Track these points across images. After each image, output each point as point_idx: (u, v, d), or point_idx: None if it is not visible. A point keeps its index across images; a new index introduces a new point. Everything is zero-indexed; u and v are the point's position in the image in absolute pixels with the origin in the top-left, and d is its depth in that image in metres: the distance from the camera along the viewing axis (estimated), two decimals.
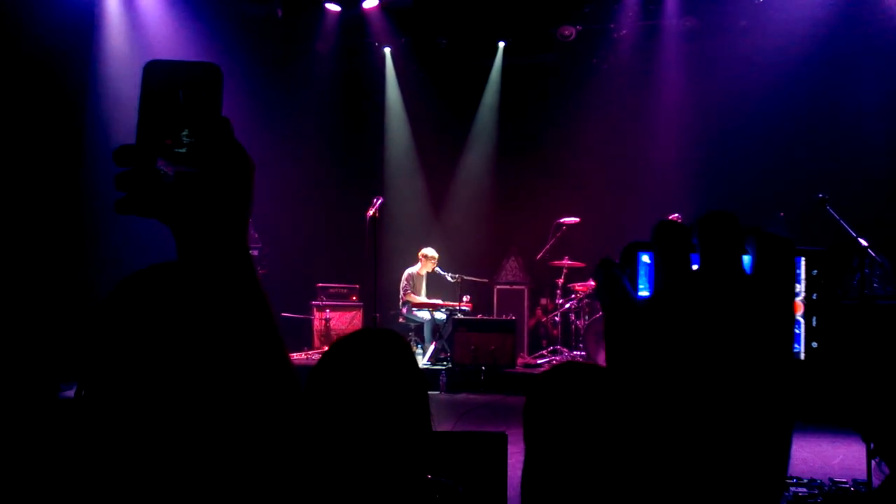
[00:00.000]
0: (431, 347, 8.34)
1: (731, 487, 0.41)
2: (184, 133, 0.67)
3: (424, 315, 8.58)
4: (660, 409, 0.43)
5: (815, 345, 0.54)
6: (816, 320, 0.54)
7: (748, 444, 0.41)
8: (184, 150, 0.67)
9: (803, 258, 0.55)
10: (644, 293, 0.56)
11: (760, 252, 0.45)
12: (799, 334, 0.55)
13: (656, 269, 0.47)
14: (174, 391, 1.07)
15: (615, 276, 0.49)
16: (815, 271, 0.55)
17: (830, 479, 4.07)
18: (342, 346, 1.34)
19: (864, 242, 5.01)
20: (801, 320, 0.55)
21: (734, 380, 0.42)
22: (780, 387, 0.43)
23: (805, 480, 4.07)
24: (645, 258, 0.57)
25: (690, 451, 0.41)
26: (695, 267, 0.46)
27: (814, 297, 0.54)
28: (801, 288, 0.55)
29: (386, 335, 1.37)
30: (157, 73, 0.68)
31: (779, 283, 0.44)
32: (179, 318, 1.07)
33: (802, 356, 0.54)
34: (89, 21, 7.88)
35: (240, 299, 0.71)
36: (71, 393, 1.08)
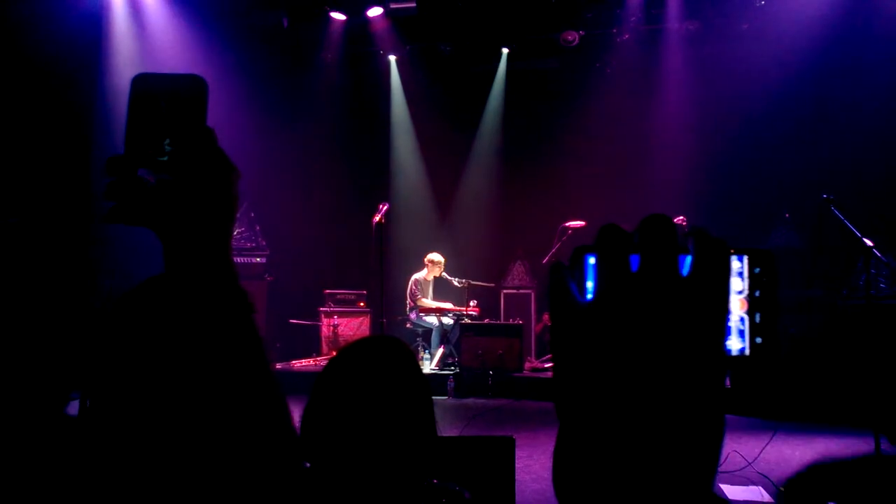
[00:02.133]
0: (439, 352, 8.36)
1: (666, 476, 0.43)
2: (166, 142, 0.69)
3: (432, 320, 8.61)
4: (599, 405, 0.45)
5: (759, 340, 0.56)
6: (760, 316, 0.56)
7: (681, 436, 0.43)
8: (165, 159, 0.69)
9: (746, 256, 0.57)
10: (590, 295, 0.59)
11: (697, 253, 0.47)
12: (743, 330, 0.57)
13: (598, 272, 0.49)
14: (167, 402, 1.10)
15: (562, 279, 0.51)
16: (758, 269, 0.56)
17: None
18: (346, 354, 1.37)
19: (869, 243, 5.01)
20: (746, 317, 0.57)
21: (667, 376, 0.44)
22: (710, 382, 0.45)
23: None
24: (591, 260, 0.58)
25: (629, 444, 0.44)
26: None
27: (756, 295, 0.56)
28: (744, 286, 0.57)
29: (389, 342, 1.39)
30: (142, 86, 0.70)
31: (711, 284, 0.46)
32: (168, 330, 1.09)
33: (747, 351, 0.56)
34: (97, 32, 7.97)
35: (220, 305, 0.72)
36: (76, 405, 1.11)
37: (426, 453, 1.29)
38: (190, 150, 0.69)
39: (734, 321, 0.57)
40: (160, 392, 1.08)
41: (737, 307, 0.58)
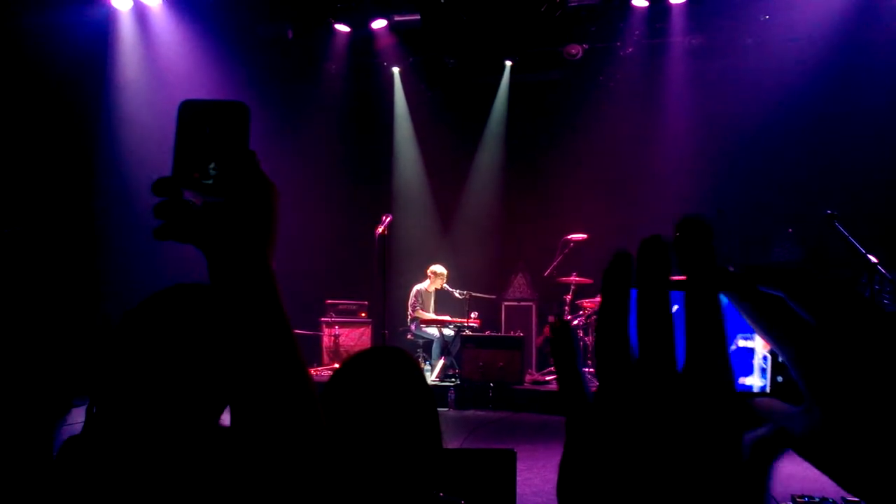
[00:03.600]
0: (440, 364, 8.33)
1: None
2: (210, 166, 0.73)
3: (433, 331, 8.59)
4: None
5: (780, 379, 0.57)
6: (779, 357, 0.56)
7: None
8: (210, 182, 0.73)
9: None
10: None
11: (689, 340, 0.45)
12: (765, 369, 0.57)
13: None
14: (185, 407, 1.09)
15: (565, 360, 0.48)
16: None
17: (843, 498, 4.03)
18: (352, 364, 1.36)
19: (873, 259, 5.00)
20: (769, 356, 0.57)
21: (682, 472, 0.41)
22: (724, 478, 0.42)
23: (817, 499, 4.03)
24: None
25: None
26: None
27: None
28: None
29: (395, 353, 1.38)
30: (189, 111, 0.74)
31: (709, 377, 0.43)
32: (200, 338, 1.09)
33: (767, 389, 0.57)
34: (104, 41, 8.02)
35: (261, 321, 0.76)
36: (78, 424, 1.10)
37: (432, 465, 1.28)
38: (234, 173, 0.74)
39: (757, 359, 0.58)
40: (171, 396, 1.07)
41: (759, 345, 0.58)
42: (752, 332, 0.56)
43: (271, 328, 0.76)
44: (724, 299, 0.56)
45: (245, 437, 0.74)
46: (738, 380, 0.58)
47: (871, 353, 0.44)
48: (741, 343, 0.59)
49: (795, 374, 0.48)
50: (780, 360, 0.54)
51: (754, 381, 0.58)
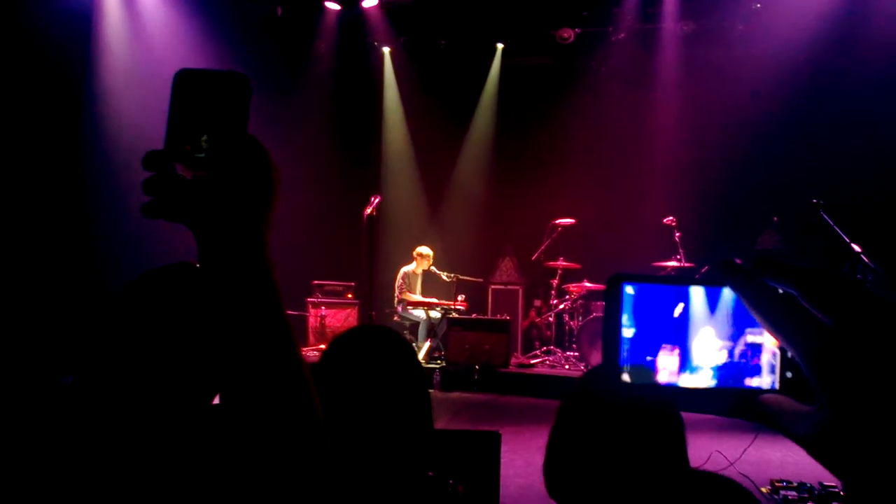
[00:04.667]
0: (426, 346, 8.36)
1: None
2: (203, 138, 0.69)
3: (419, 313, 8.61)
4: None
5: (789, 375, 0.57)
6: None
7: None
8: (202, 156, 0.69)
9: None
10: (628, 330, 0.59)
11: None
12: (774, 365, 0.57)
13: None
14: (175, 387, 1.08)
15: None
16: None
17: (820, 483, 4.11)
18: (342, 343, 1.36)
19: (857, 248, 5.05)
20: (778, 352, 0.57)
21: None
22: None
23: (795, 484, 4.10)
24: (629, 289, 0.59)
25: None
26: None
27: None
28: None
29: (386, 333, 1.38)
30: (183, 81, 0.70)
31: None
32: (191, 318, 1.08)
33: (777, 386, 0.57)
34: (88, 16, 7.88)
35: (254, 303, 0.72)
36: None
37: (423, 444, 1.29)
38: (226, 146, 0.69)
39: (766, 355, 0.58)
40: (159, 376, 1.06)
41: (770, 342, 0.58)
42: (759, 326, 0.55)
43: (264, 315, 0.72)
44: (726, 291, 0.55)
45: (237, 426, 0.70)
46: (744, 381, 0.58)
47: (889, 356, 0.44)
48: (749, 339, 0.58)
49: (808, 374, 0.48)
50: (790, 356, 0.54)
51: (763, 381, 0.58)
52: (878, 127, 7.74)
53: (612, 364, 0.58)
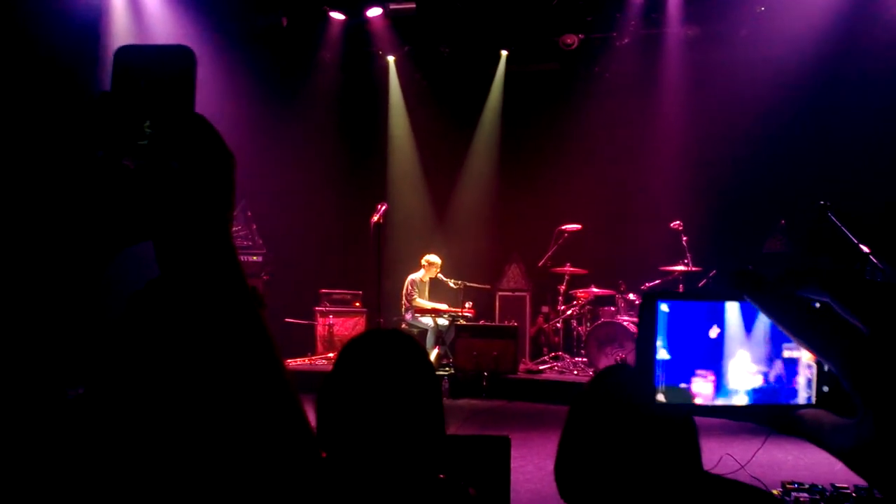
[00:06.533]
0: (434, 353, 8.36)
1: None
2: (146, 124, 0.61)
3: (427, 321, 8.61)
4: None
5: (825, 389, 0.55)
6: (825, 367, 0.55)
7: None
8: (145, 143, 0.61)
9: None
10: (662, 352, 0.57)
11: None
12: (811, 379, 0.56)
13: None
14: (170, 403, 1.09)
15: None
16: None
17: (832, 485, 4.08)
18: (356, 347, 1.36)
19: (865, 249, 5.03)
20: (815, 365, 0.56)
21: None
22: None
23: (807, 486, 4.08)
24: (664, 307, 0.58)
25: None
26: None
27: None
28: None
29: (398, 336, 1.39)
30: (123, 60, 0.63)
31: None
32: (170, 331, 1.07)
33: (813, 400, 0.55)
34: (95, 24, 7.95)
35: (224, 303, 0.65)
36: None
37: (436, 448, 1.29)
38: (171, 132, 0.61)
39: (802, 370, 0.57)
40: (163, 393, 1.07)
41: (806, 356, 0.56)
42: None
43: (235, 313, 0.64)
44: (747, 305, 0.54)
45: (221, 430, 0.66)
46: (780, 401, 0.57)
47: None
48: (786, 354, 0.57)
49: (847, 385, 0.46)
50: (827, 369, 0.53)
51: (799, 398, 0.56)
52: (883, 127, 7.72)
53: (647, 384, 0.57)
